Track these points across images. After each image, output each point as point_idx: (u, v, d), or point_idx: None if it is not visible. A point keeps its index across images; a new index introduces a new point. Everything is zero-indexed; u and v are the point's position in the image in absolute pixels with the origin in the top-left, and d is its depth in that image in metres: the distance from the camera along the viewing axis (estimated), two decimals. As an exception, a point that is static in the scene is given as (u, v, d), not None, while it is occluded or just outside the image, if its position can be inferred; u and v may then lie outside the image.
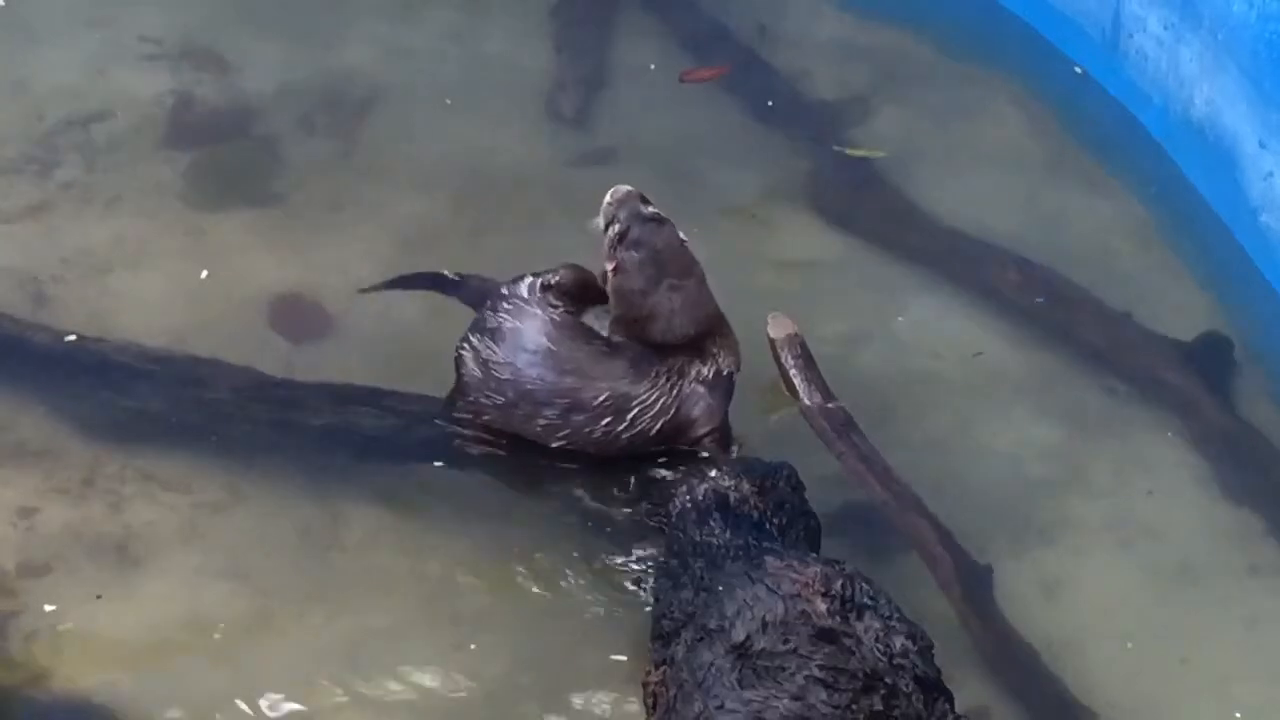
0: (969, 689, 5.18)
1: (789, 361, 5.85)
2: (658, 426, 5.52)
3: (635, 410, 5.49)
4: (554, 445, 5.56)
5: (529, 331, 5.53)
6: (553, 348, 5.51)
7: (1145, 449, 5.98)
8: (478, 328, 5.60)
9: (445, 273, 6.10)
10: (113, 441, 5.76)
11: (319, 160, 6.85)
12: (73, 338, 6.06)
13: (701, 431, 5.58)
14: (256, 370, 5.94)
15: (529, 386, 5.51)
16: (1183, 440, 6.00)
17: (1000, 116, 7.21)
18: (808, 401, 5.80)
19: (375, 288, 6.15)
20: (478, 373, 5.56)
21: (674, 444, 5.60)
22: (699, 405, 5.56)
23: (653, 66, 7.39)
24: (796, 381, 5.83)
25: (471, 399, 5.60)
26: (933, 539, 5.53)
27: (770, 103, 7.20)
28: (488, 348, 5.55)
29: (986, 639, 5.38)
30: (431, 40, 7.42)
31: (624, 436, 5.52)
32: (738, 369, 5.64)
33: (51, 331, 6.02)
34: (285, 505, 5.66)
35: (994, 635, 5.39)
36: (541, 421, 5.53)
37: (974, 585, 5.47)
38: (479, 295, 5.86)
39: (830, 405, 5.78)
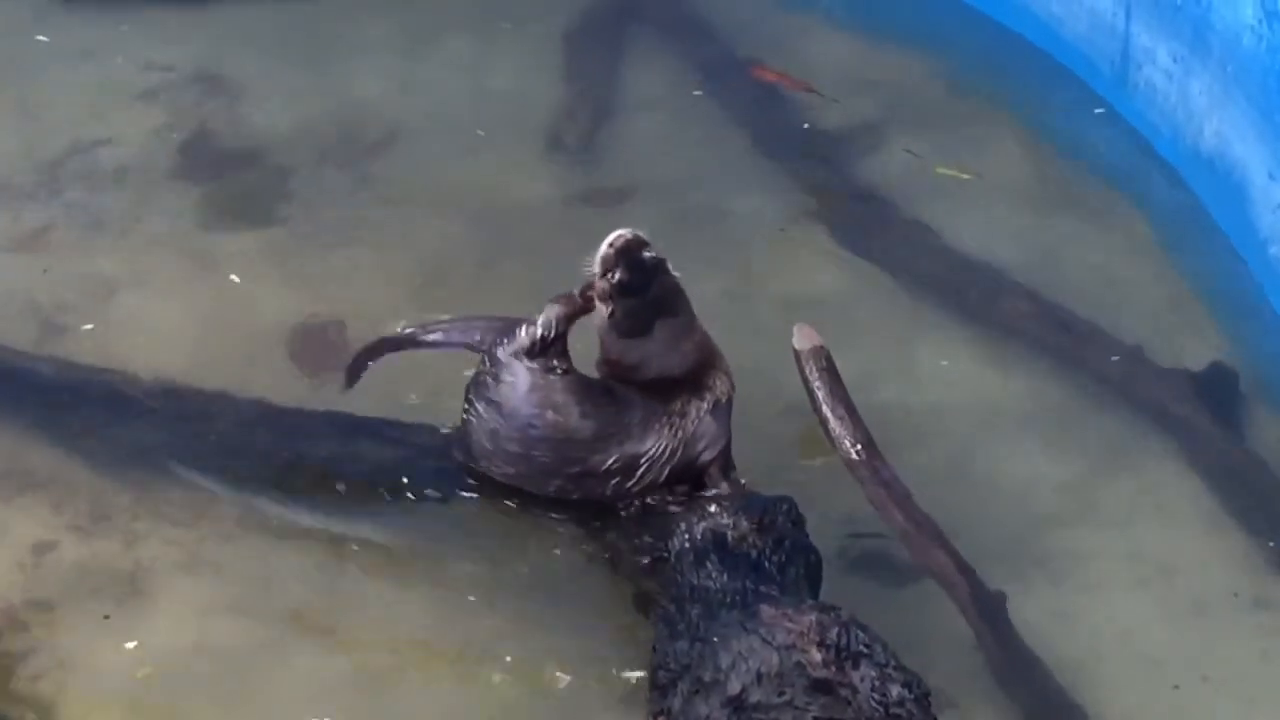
0: (985, 714, 5.21)
1: (813, 374, 5.79)
2: (665, 474, 5.51)
3: (645, 466, 5.48)
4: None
5: (533, 403, 5.48)
6: (559, 419, 5.47)
7: (1155, 481, 5.96)
8: (481, 395, 5.54)
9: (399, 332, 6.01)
10: (121, 474, 5.78)
11: (329, 190, 6.88)
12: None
13: (706, 459, 5.56)
14: (265, 401, 5.94)
15: (540, 460, 5.49)
16: (1192, 472, 5.98)
17: (1011, 147, 7.21)
18: (830, 414, 5.77)
19: (349, 380, 5.93)
20: (487, 444, 5.53)
21: (682, 481, 5.57)
22: (703, 439, 5.54)
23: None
24: (820, 395, 5.77)
25: (483, 465, 5.57)
26: (949, 566, 5.52)
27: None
28: (495, 419, 5.52)
29: (1002, 662, 5.36)
30: (442, 71, 7.45)
31: (635, 490, 5.52)
32: (733, 389, 5.62)
33: (61, 363, 6.03)
34: (289, 535, 5.67)
35: (1010, 658, 5.38)
36: (551, 488, 5.53)
37: (989, 610, 5.45)
38: (444, 341, 5.84)
39: (855, 423, 5.75)
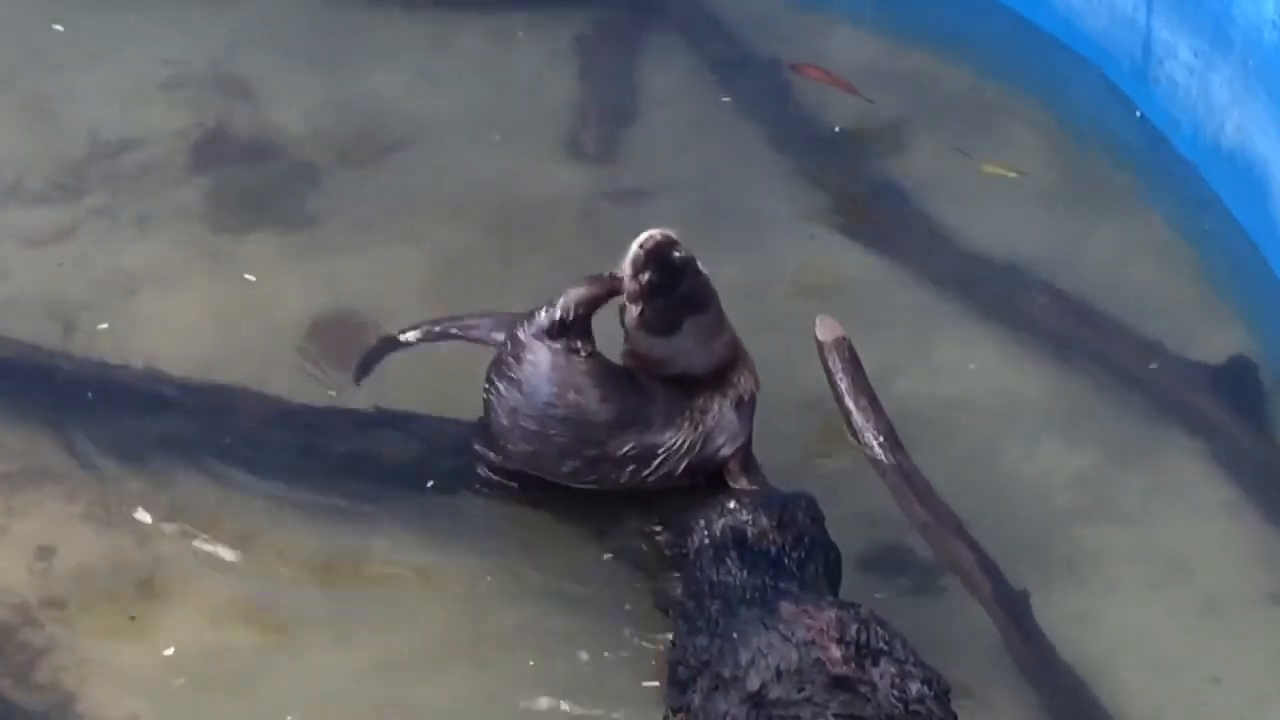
0: (1005, 709, 5.22)
1: (836, 365, 5.80)
2: (682, 467, 5.49)
3: (661, 456, 5.47)
4: (579, 486, 5.55)
5: (554, 382, 5.48)
6: (579, 400, 5.47)
7: (1175, 476, 5.95)
8: (502, 374, 5.55)
9: (401, 335, 6.07)
10: (137, 470, 5.78)
11: (347, 187, 6.87)
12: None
13: (725, 454, 5.55)
14: (282, 397, 5.94)
15: (557, 440, 5.47)
16: (1212, 467, 5.96)
17: (1031, 142, 7.18)
18: (853, 406, 5.75)
19: (359, 374, 6.03)
20: (505, 421, 5.52)
21: (699, 476, 5.56)
22: (723, 435, 5.53)
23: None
24: (842, 386, 5.78)
25: (501, 443, 5.57)
26: (970, 560, 5.50)
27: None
28: (515, 397, 5.51)
29: (1028, 659, 5.36)
30: (459, 69, 7.43)
31: (650, 480, 5.49)
32: (758, 388, 5.61)
33: (78, 359, 6.04)
34: (309, 533, 5.67)
35: (1036, 655, 5.38)
36: (566, 469, 5.51)
37: (1013, 606, 5.45)
38: (459, 335, 5.91)
39: (878, 415, 5.73)
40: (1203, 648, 5.48)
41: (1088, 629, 5.48)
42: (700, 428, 5.50)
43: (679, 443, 5.48)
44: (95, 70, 7.34)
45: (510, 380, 5.52)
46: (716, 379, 5.54)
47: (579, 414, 5.46)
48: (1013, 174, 6.98)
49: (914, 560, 5.64)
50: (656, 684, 5.21)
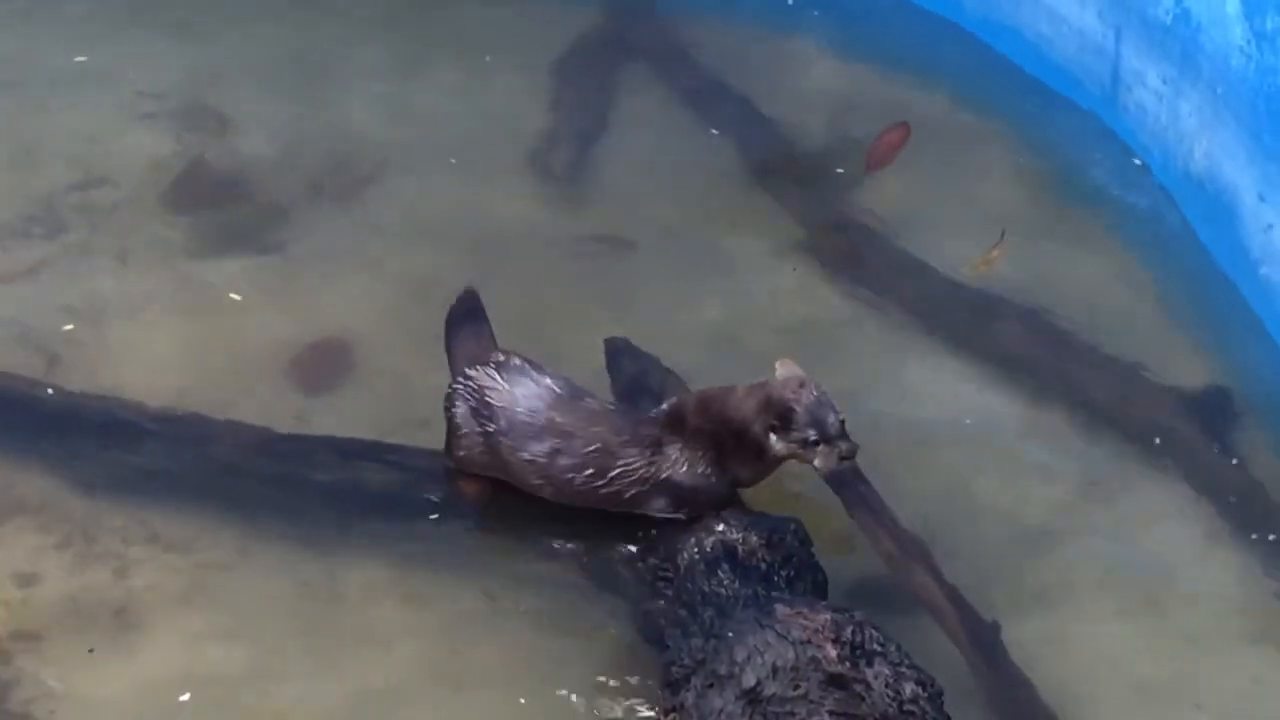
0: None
1: None
2: (631, 493, 5.47)
3: (617, 470, 5.45)
4: (531, 484, 5.52)
5: (535, 373, 5.53)
6: (555, 389, 5.50)
7: (1149, 504, 5.97)
8: (478, 361, 5.58)
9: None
10: (114, 500, 5.75)
11: (321, 217, 6.87)
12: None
13: (660, 516, 5.54)
14: (258, 426, 5.93)
15: (523, 418, 5.48)
16: (1186, 495, 5.98)
17: (1001, 170, 7.22)
18: None
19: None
20: (472, 401, 5.53)
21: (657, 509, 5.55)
22: (666, 494, 5.51)
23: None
24: None
25: (464, 432, 5.57)
26: (938, 593, 5.51)
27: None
28: (488, 377, 5.52)
29: (995, 688, 5.37)
30: (433, 98, 7.44)
31: (601, 492, 5.47)
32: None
33: (54, 389, 6.03)
34: (286, 562, 5.65)
35: (1003, 684, 5.38)
36: (526, 455, 5.49)
37: (981, 638, 5.45)
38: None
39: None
40: (1176, 676, 5.49)
41: (1060, 657, 5.49)
42: (654, 467, 5.46)
43: (634, 465, 5.45)
44: (70, 103, 7.34)
45: (487, 364, 5.54)
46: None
47: (549, 398, 5.48)
48: (995, 253, 6.93)
49: (887, 590, 5.63)
50: (640, 705, 5.23)
